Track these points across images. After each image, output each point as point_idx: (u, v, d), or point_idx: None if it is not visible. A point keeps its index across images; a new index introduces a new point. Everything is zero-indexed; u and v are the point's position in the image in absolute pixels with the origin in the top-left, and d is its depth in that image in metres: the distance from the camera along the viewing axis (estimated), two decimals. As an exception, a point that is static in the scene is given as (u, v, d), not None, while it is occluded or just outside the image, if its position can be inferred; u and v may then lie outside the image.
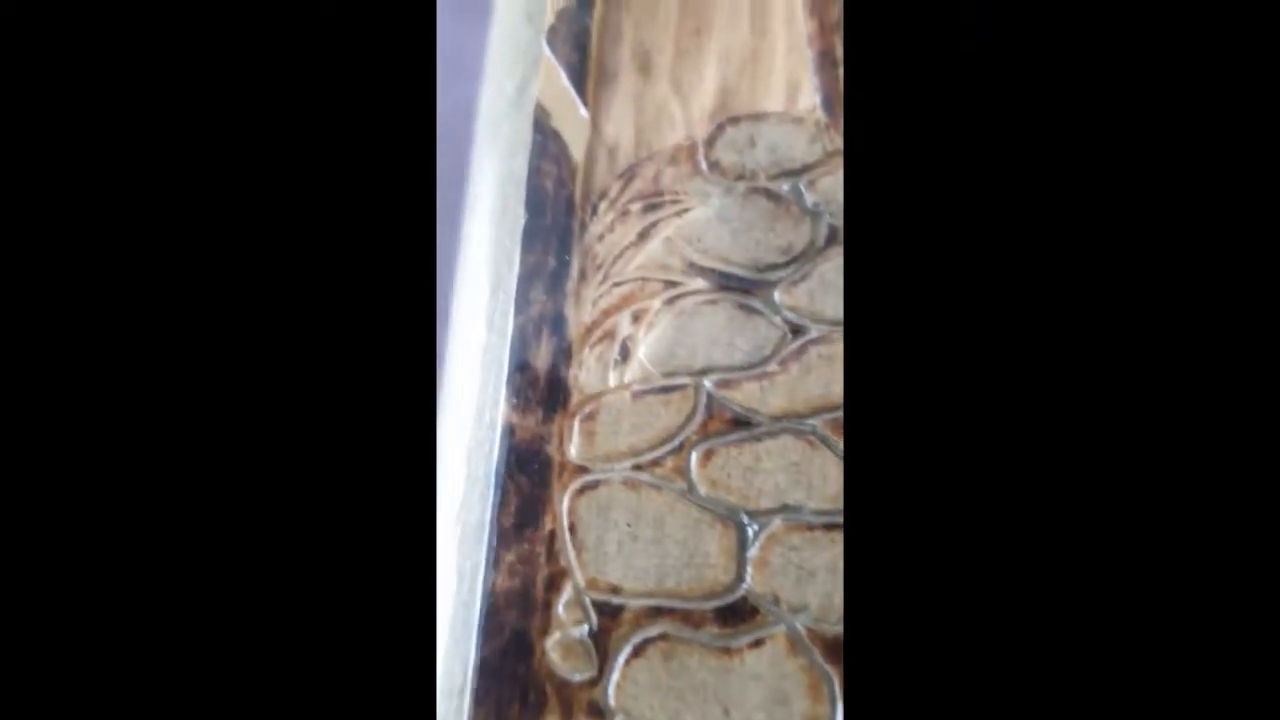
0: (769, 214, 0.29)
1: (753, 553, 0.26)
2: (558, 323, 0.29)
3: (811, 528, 0.26)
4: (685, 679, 0.26)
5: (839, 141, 0.29)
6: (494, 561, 0.27)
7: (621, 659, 0.26)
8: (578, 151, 0.30)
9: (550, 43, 0.31)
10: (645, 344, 0.28)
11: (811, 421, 0.27)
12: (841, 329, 0.27)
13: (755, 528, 0.27)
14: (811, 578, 0.26)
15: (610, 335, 0.29)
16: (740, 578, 0.26)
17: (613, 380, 0.28)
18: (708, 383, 0.28)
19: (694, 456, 0.27)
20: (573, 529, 0.27)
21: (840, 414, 0.27)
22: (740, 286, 0.28)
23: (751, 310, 0.28)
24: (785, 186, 0.29)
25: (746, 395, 0.27)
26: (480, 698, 0.26)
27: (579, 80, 0.31)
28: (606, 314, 0.29)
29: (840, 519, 0.26)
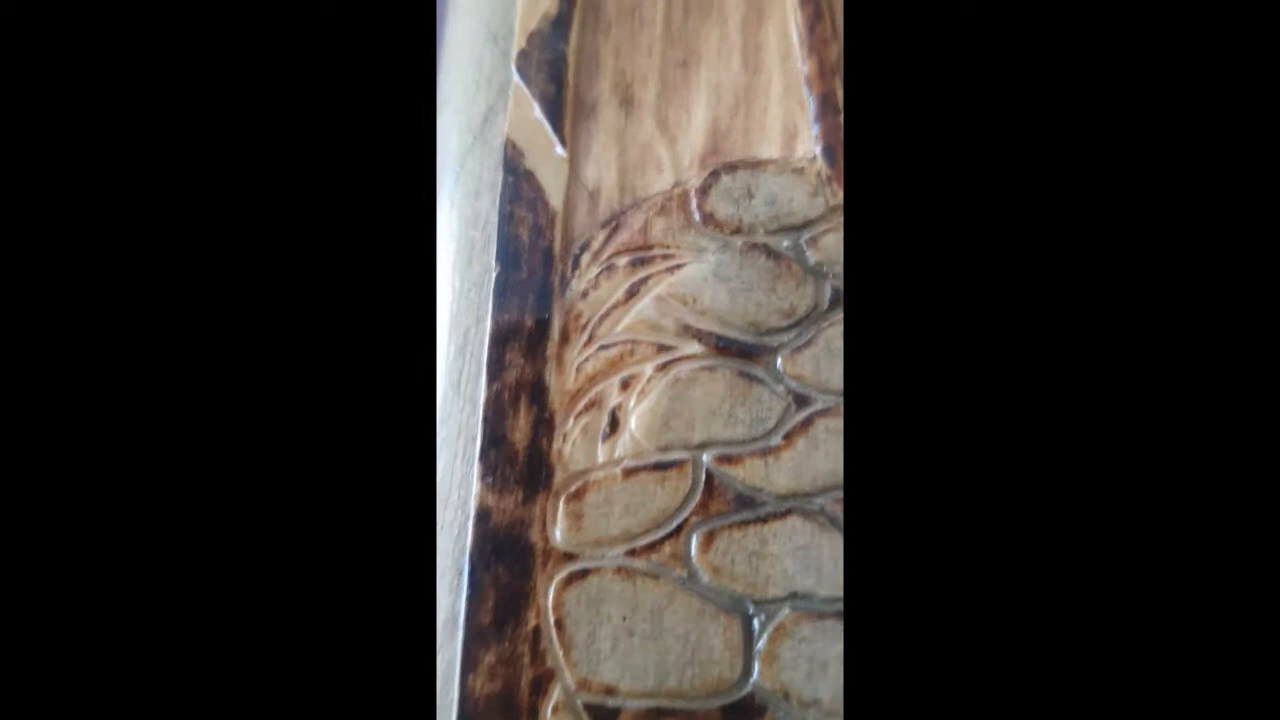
0: (769, 273, 0.26)
1: (760, 645, 0.24)
2: (537, 390, 0.26)
3: (823, 616, 0.24)
4: (688, 786, 0.23)
5: (841, 195, 0.27)
6: (470, 662, 0.24)
7: (618, 768, 0.24)
8: (555, 196, 0.27)
9: (521, 70, 0.28)
10: (637, 414, 0.26)
11: (820, 500, 0.25)
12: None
13: (762, 618, 0.24)
14: (824, 670, 0.24)
15: (597, 404, 0.26)
16: (747, 673, 0.24)
17: (601, 455, 0.26)
18: (707, 457, 0.25)
19: (694, 540, 0.25)
20: (560, 625, 0.24)
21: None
22: (740, 351, 0.26)
23: (753, 378, 0.26)
24: (786, 243, 0.26)
25: (750, 472, 0.25)
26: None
27: (555, 114, 0.28)
28: (592, 380, 0.26)
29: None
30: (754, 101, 0.28)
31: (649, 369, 0.26)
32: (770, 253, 0.26)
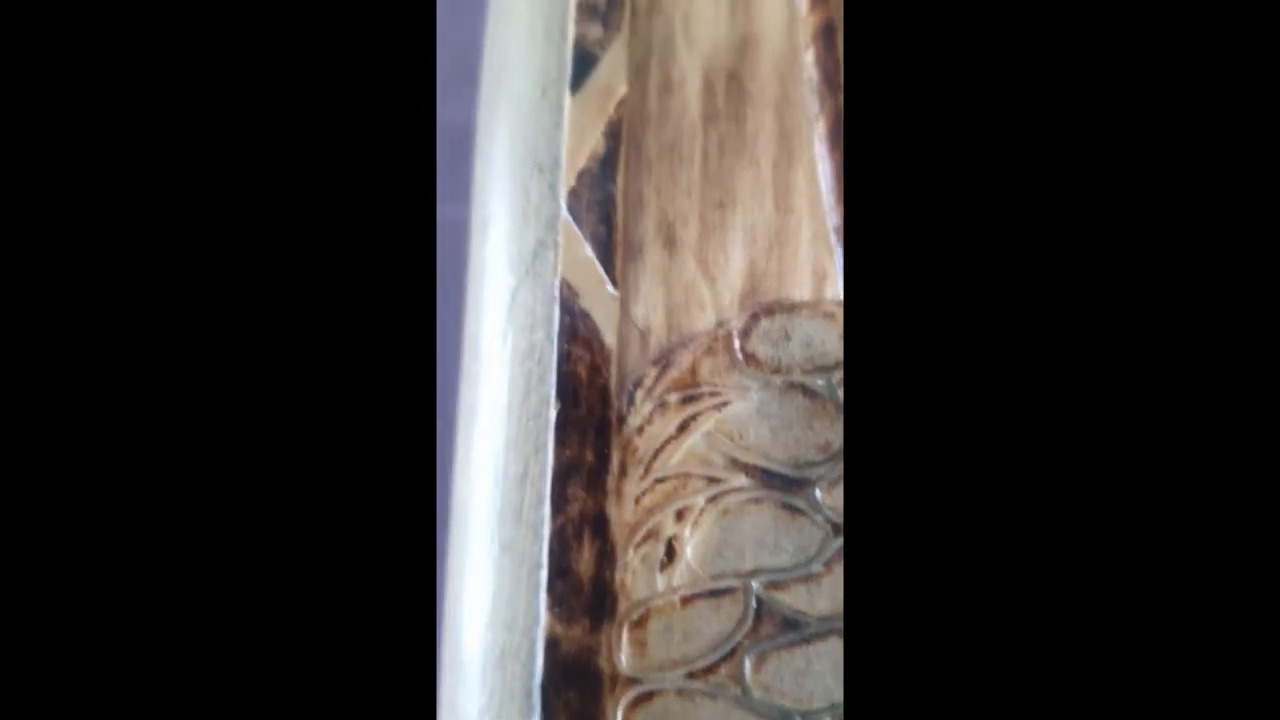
0: (807, 410, 0.29)
1: (805, 753, 0.27)
2: (599, 523, 0.28)
3: (858, 723, 0.28)
4: None
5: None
6: (546, 783, 0.26)
7: None
8: (610, 335, 0.29)
9: (572, 209, 0.29)
10: (692, 544, 0.28)
11: (854, 620, 0.28)
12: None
13: (806, 728, 0.28)
14: (858, 771, 0.28)
15: (654, 535, 0.28)
16: (794, 777, 0.27)
17: (660, 584, 0.28)
18: (756, 584, 0.28)
19: (748, 662, 0.28)
20: (629, 743, 0.27)
21: (879, 611, 0.28)
22: (783, 484, 0.29)
23: (795, 509, 0.29)
24: (820, 382, 0.29)
25: (794, 597, 0.28)
26: None
27: (606, 254, 0.29)
28: (650, 512, 0.28)
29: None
30: (786, 245, 0.30)
31: (701, 500, 0.28)
32: (807, 391, 0.29)
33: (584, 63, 0.31)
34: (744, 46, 0.31)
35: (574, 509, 0.28)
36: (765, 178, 0.31)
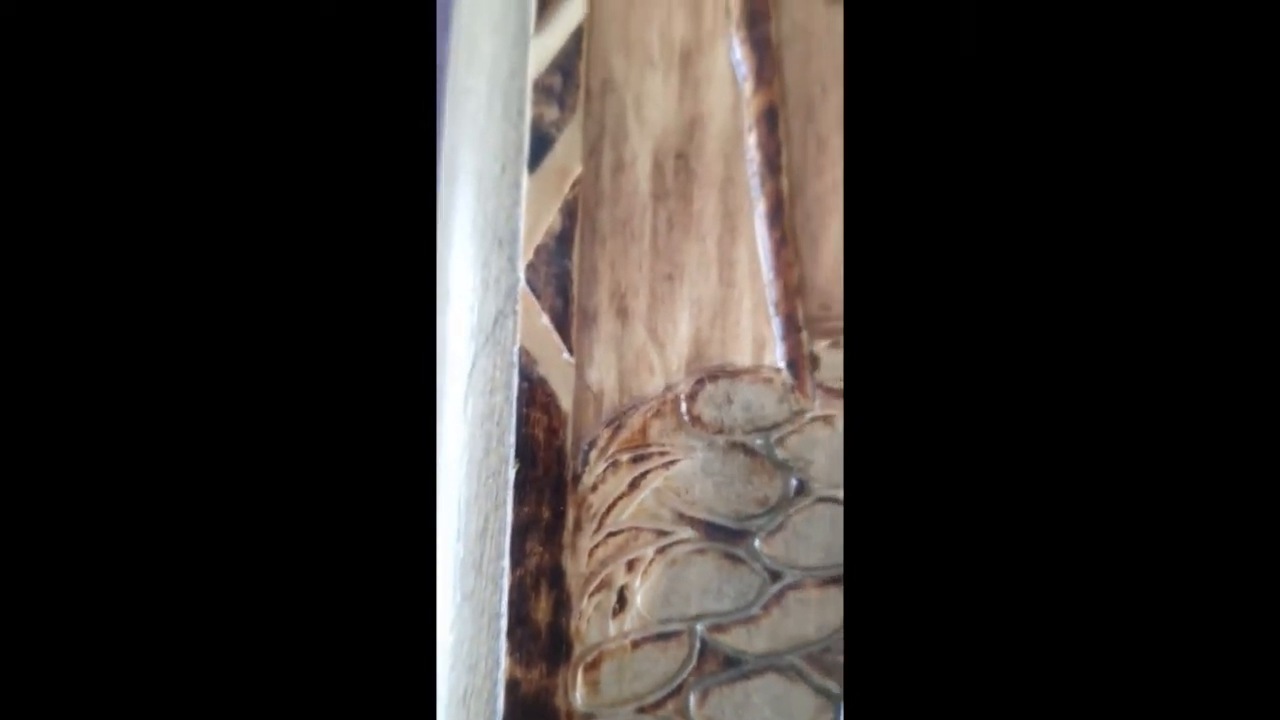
0: (747, 468, 0.32)
1: (744, 780, 0.30)
2: (556, 575, 0.30)
3: (793, 751, 0.31)
4: None
5: (804, 402, 0.32)
6: (507, 814, 0.29)
7: None
8: (566, 399, 0.31)
9: (530, 282, 0.32)
10: (641, 592, 0.31)
11: (790, 657, 0.31)
12: (813, 574, 0.32)
13: (745, 757, 0.30)
14: (793, 795, 0.30)
15: (607, 584, 0.31)
16: (735, 803, 0.30)
17: (612, 629, 0.30)
18: (700, 628, 0.31)
19: (692, 698, 0.30)
20: (584, 776, 0.29)
21: (813, 649, 0.31)
22: (725, 536, 0.31)
23: (736, 559, 0.31)
24: (759, 441, 0.32)
25: (735, 638, 0.31)
26: None
27: (562, 324, 0.32)
28: (603, 563, 0.31)
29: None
30: (729, 315, 0.33)
31: (650, 552, 0.31)
32: (747, 450, 0.32)
33: (541, 143, 0.33)
34: (692, 128, 0.34)
35: (532, 562, 0.30)
36: (710, 253, 0.33)
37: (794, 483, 0.32)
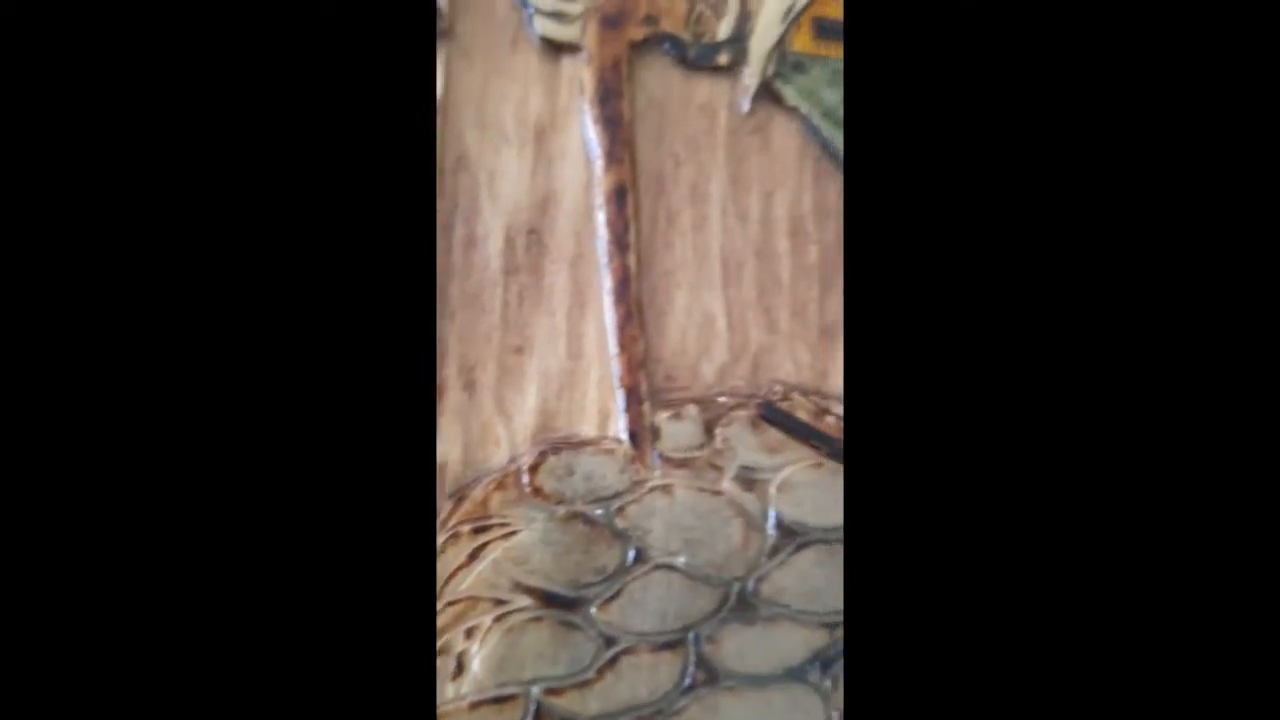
0: (586, 537, 0.33)
1: (574, 835, 0.32)
2: (397, 640, 0.32)
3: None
4: None
5: (644, 473, 0.34)
6: None
7: None
8: (410, 472, 0.33)
9: (378, 358, 0.33)
10: (479, 658, 0.32)
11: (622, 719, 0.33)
12: (647, 639, 0.33)
13: (577, 813, 0.32)
14: None
15: (446, 650, 0.32)
16: None
17: (450, 692, 0.32)
18: (535, 690, 0.32)
19: (525, 757, 0.32)
20: (418, 832, 0.31)
21: (643, 712, 0.33)
22: (562, 604, 0.33)
23: (572, 625, 0.33)
24: (599, 511, 0.33)
25: (569, 700, 0.32)
26: None
27: (409, 399, 0.33)
28: (442, 631, 0.32)
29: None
30: (576, 387, 0.34)
31: (488, 620, 0.32)
32: (587, 520, 0.33)
33: (396, 219, 0.34)
34: (545, 203, 0.35)
35: (374, 629, 0.32)
36: (560, 326, 0.34)
37: (632, 551, 0.34)
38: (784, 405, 0.35)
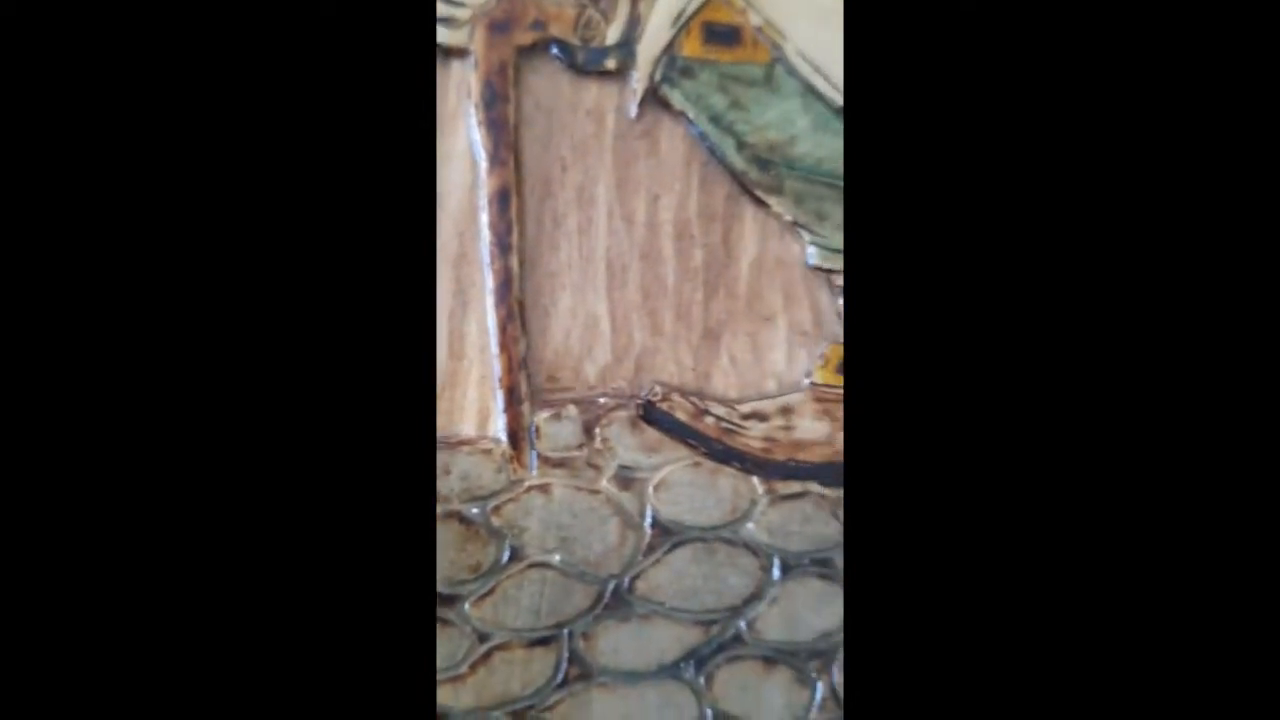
0: (461, 535, 0.34)
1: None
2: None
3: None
4: None
5: (520, 473, 0.34)
6: None
7: None
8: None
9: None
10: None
11: (495, 714, 0.33)
12: (521, 635, 0.34)
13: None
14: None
15: (321, 643, 0.33)
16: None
17: (324, 685, 0.33)
18: (408, 685, 0.33)
19: (396, 751, 0.33)
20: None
21: (517, 705, 0.33)
22: (441, 600, 0.33)
23: (446, 621, 0.33)
24: (475, 510, 0.34)
25: (443, 694, 0.33)
26: None
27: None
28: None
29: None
30: (457, 386, 0.34)
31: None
32: (463, 519, 0.34)
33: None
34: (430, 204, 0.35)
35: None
36: (442, 326, 0.35)
37: (507, 549, 0.34)
38: (663, 406, 0.35)
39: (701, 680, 0.35)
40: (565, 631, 0.34)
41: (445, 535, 0.34)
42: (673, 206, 0.36)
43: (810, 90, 0.36)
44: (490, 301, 0.35)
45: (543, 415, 0.35)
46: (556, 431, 0.35)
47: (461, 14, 0.35)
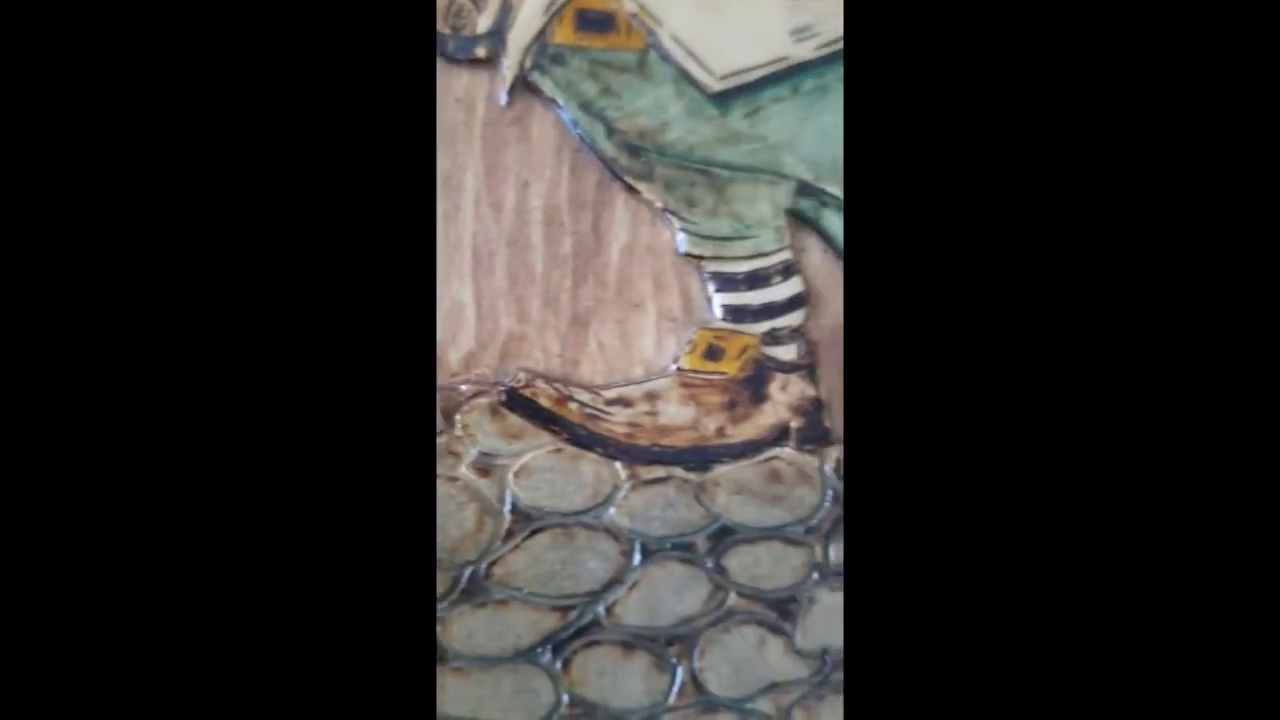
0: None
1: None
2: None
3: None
4: None
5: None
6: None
7: None
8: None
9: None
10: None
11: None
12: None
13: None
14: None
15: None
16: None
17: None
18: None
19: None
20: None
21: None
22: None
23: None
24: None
25: (295, 676, 0.34)
26: None
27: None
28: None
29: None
30: (318, 372, 0.35)
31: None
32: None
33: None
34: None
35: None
36: (305, 311, 0.35)
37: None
38: (526, 393, 0.35)
39: (559, 665, 0.35)
40: (421, 615, 0.34)
41: (302, 518, 0.34)
42: (543, 193, 0.36)
43: (684, 76, 0.36)
44: (353, 288, 0.35)
45: (403, 401, 0.35)
46: (417, 417, 0.35)
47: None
